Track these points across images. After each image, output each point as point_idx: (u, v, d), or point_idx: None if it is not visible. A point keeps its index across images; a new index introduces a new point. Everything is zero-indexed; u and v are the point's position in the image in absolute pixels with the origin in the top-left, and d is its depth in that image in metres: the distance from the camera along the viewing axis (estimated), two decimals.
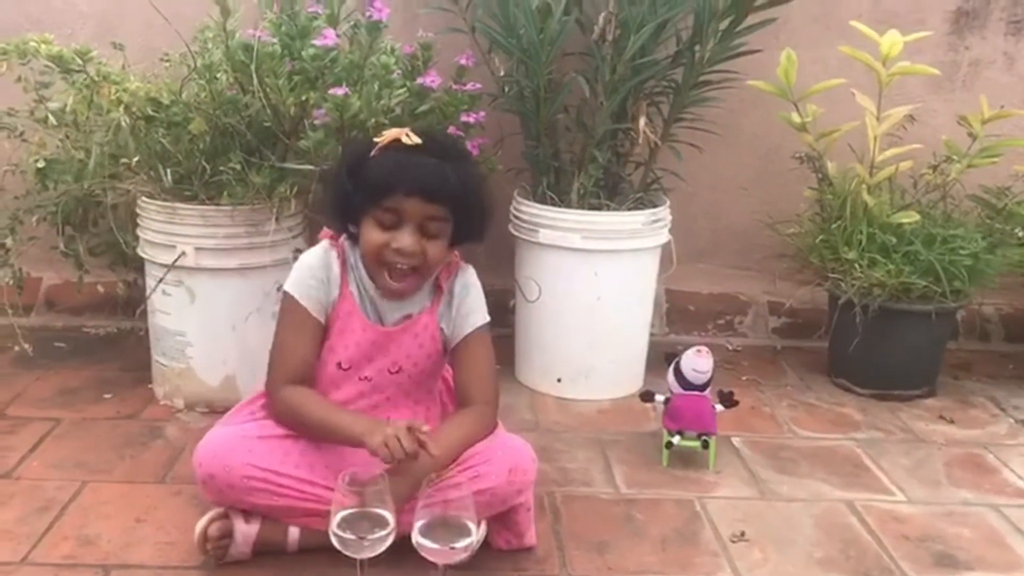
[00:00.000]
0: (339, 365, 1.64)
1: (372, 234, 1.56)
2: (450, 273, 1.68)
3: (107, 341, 2.62)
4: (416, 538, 1.37)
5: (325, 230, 1.70)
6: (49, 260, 2.49)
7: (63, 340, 2.60)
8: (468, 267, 1.71)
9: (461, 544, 1.37)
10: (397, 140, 1.55)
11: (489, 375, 1.67)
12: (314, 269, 1.63)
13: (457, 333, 1.67)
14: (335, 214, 1.64)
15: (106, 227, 2.24)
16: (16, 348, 2.32)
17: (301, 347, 1.62)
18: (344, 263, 1.64)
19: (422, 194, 1.52)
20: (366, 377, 1.65)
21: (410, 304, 1.66)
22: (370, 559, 1.42)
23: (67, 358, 2.48)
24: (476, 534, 1.42)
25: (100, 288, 2.60)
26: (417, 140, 1.54)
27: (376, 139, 1.57)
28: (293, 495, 1.54)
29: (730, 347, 2.78)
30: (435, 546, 1.37)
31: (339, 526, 1.38)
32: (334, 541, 1.38)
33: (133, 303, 2.42)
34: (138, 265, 2.33)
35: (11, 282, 2.32)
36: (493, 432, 1.64)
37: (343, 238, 1.66)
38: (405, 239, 1.54)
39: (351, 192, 1.57)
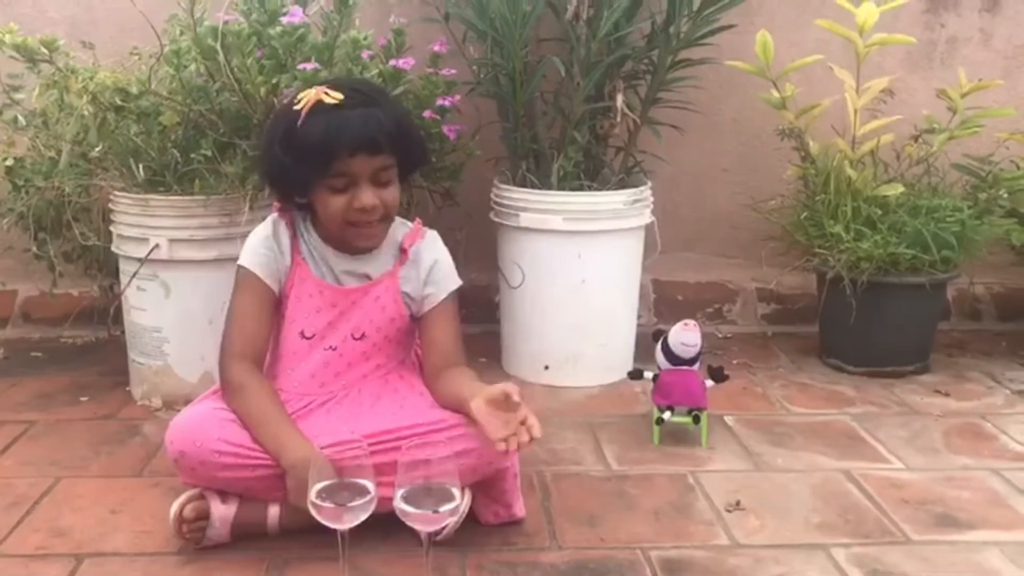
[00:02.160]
0: (302, 334, 1.62)
1: (331, 202, 1.54)
2: (415, 238, 1.66)
3: (85, 350, 2.56)
4: (398, 504, 1.32)
5: (275, 203, 1.68)
6: (25, 273, 2.43)
7: (40, 350, 2.54)
8: (432, 232, 1.70)
9: (445, 508, 1.32)
10: (319, 102, 1.50)
11: (460, 338, 1.69)
12: (265, 240, 1.62)
13: (433, 299, 1.65)
14: (279, 189, 1.62)
15: (79, 231, 2.19)
16: None
17: (255, 318, 1.60)
18: (294, 232, 1.63)
19: (366, 150, 1.51)
20: (331, 347, 1.62)
21: (368, 265, 1.64)
22: (353, 536, 1.37)
23: (44, 366, 2.42)
24: (461, 500, 1.38)
25: (75, 293, 2.55)
26: (338, 95, 1.50)
27: (295, 106, 1.52)
28: (269, 467, 1.48)
29: (720, 335, 2.74)
30: (418, 511, 1.32)
31: (318, 496, 1.33)
32: (312, 511, 1.33)
33: (109, 309, 2.37)
34: (113, 270, 2.28)
35: None
36: None
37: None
38: (365, 197, 1.53)
39: (290, 166, 1.52)
